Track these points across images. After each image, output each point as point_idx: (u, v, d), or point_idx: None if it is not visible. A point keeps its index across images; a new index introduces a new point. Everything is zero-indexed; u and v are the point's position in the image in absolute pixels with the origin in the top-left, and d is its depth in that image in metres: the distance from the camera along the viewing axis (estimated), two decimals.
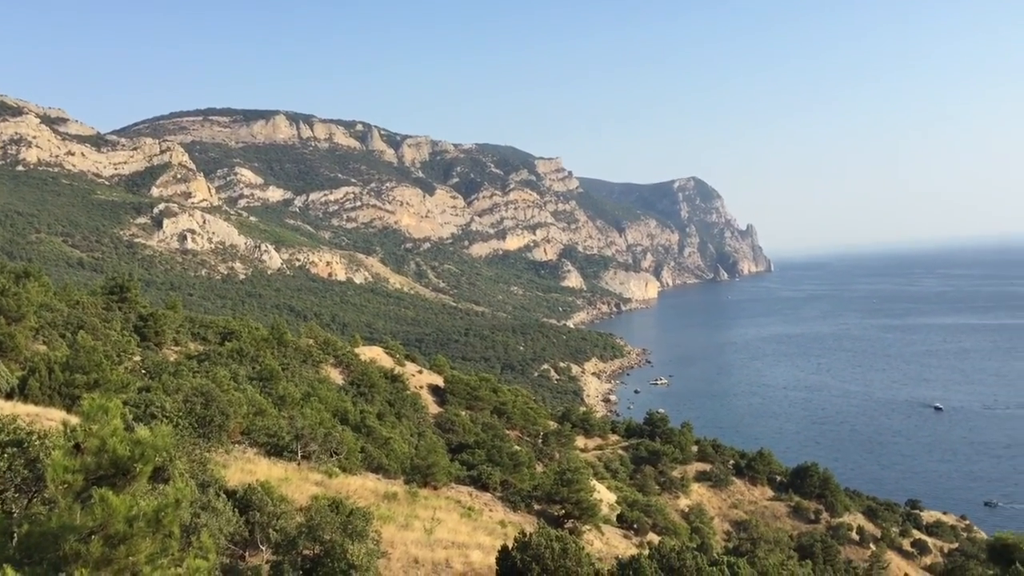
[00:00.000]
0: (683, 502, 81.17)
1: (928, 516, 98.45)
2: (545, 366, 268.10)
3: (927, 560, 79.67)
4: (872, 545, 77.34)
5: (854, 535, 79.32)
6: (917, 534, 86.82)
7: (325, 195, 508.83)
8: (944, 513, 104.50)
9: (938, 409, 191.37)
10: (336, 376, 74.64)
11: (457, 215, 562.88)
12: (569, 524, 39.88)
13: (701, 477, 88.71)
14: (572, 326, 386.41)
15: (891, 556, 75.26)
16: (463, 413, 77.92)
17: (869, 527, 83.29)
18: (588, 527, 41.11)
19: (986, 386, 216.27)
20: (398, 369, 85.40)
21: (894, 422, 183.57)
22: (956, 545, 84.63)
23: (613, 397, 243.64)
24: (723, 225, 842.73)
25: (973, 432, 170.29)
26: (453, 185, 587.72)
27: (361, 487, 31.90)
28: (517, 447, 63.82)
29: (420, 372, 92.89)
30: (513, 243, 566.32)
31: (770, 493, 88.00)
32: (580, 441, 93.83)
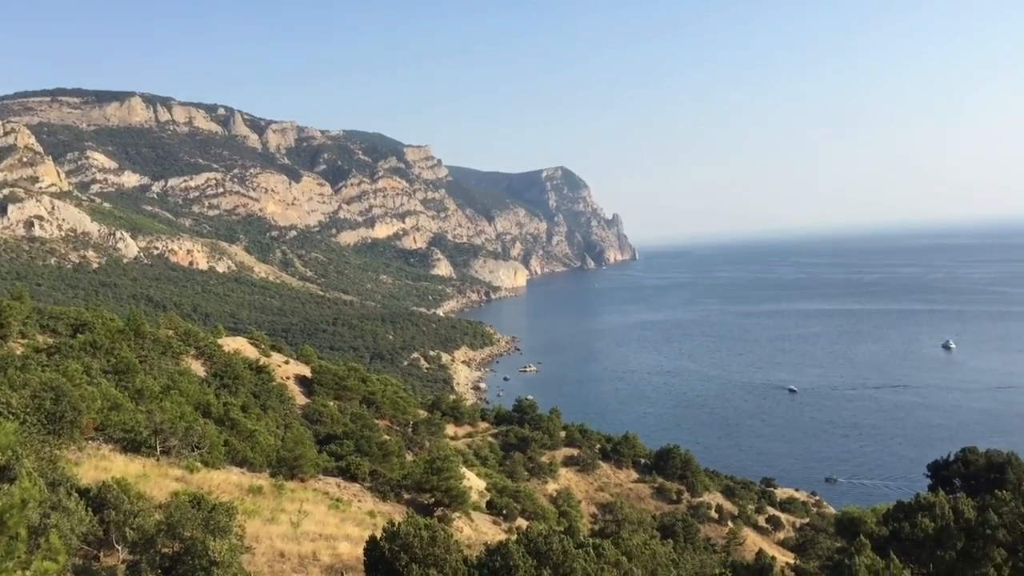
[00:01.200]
0: (551, 487, 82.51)
1: (782, 493, 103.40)
2: (415, 355, 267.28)
3: (780, 535, 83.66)
4: (730, 522, 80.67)
5: (713, 513, 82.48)
6: (771, 511, 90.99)
7: (185, 181, 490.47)
8: (796, 490, 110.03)
9: (792, 391, 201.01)
10: (198, 368, 72.27)
11: (325, 203, 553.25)
12: (439, 512, 39.96)
13: (569, 462, 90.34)
14: (442, 314, 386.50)
15: (747, 532, 78.69)
16: (331, 404, 76.84)
17: (727, 505, 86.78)
18: (458, 515, 41.29)
19: (834, 368, 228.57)
20: (263, 360, 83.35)
21: (751, 404, 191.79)
22: (807, 520, 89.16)
23: (483, 385, 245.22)
24: (590, 214, 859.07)
25: (822, 412, 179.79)
26: (320, 172, 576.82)
27: (225, 481, 31.07)
28: (387, 437, 63.45)
29: (286, 363, 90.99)
30: (382, 231, 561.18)
31: (635, 476, 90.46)
32: (450, 429, 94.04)
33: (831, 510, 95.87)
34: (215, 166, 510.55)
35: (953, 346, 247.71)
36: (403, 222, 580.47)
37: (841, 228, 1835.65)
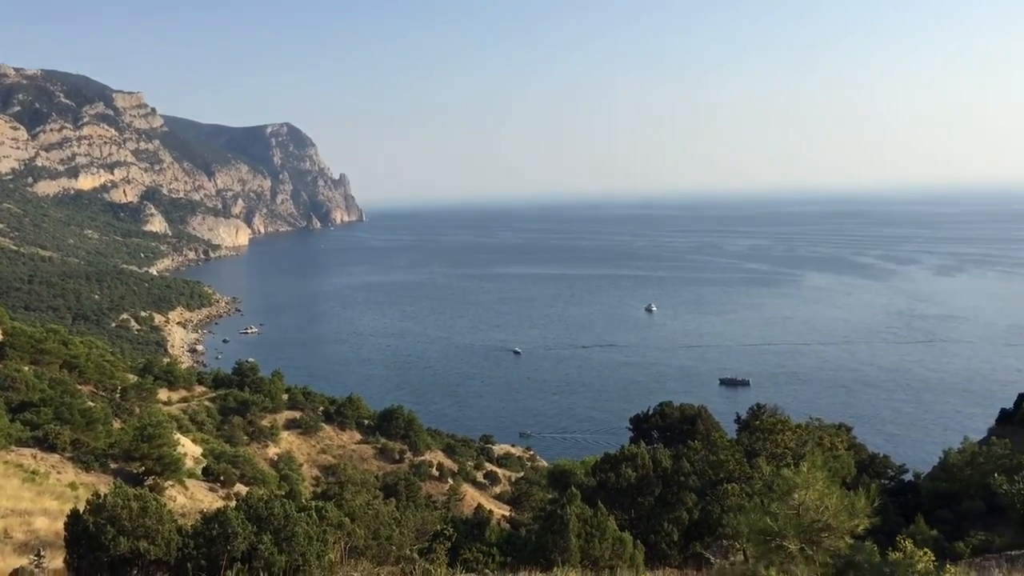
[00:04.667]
0: (272, 451, 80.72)
1: (499, 449, 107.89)
2: (125, 316, 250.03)
3: (497, 489, 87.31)
4: (450, 479, 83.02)
5: (434, 471, 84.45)
6: (489, 466, 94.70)
7: None
8: (512, 446, 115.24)
9: (517, 352, 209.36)
10: None
11: (19, 148, 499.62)
12: (150, 481, 37.79)
13: (291, 425, 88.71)
14: (155, 273, 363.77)
15: (467, 488, 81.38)
16: (26, 368, 70.07)
17: (448, 463, 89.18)
18: (171, 483, 39.29)
19: (550, 330, 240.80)
20: None
21: (472, 365, 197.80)
22: (522, 474, 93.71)
23: (200, 347, 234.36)
24: (317, 173, 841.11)
25: (539, 372, 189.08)
26: (14, 115, 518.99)
27: None
28: (91, 403, 58.90)
29: None
30: (87, 182, 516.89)
31: (358, 437, 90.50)
32: (163, 394, 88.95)
33: (544, 463, 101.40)
34: None
35: (655, 309, 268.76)
36: (112, 173, 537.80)
37: (563, 196, 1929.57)
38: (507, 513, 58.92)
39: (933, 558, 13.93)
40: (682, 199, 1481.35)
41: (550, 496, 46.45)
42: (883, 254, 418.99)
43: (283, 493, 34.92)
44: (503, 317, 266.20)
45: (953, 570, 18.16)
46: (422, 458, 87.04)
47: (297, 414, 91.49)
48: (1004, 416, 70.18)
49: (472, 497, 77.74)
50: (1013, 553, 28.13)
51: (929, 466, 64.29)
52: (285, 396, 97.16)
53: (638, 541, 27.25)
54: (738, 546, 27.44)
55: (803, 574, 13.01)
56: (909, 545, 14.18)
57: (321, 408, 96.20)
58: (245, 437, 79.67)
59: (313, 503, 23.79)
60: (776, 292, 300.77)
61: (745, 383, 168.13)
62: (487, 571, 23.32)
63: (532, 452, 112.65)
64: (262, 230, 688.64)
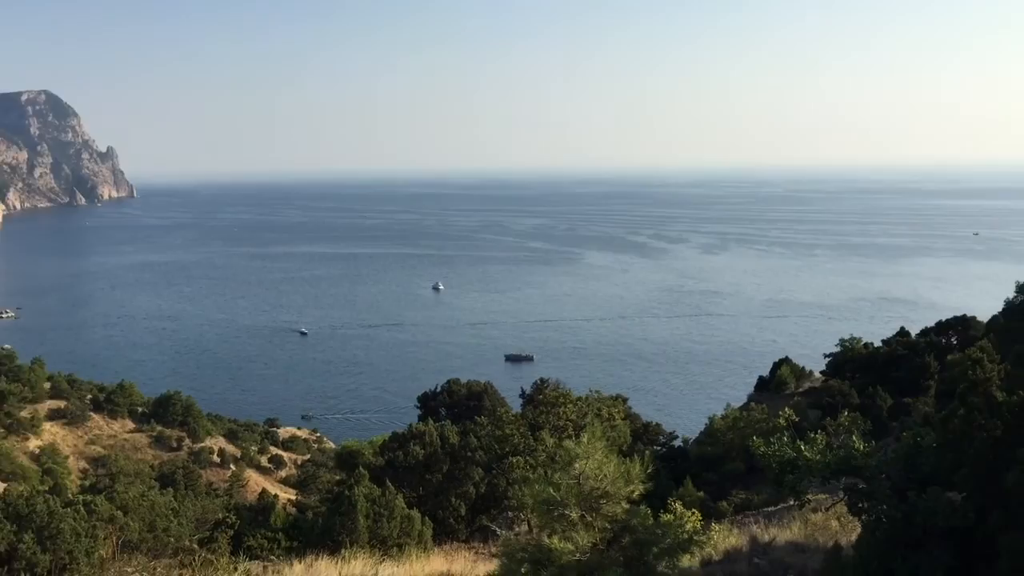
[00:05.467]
0: (33, 444, 74.96)
1: (284, 432, 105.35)
2: None
3: (283, 473, 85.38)
4: (232, 465, 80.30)
5: (215, 458, 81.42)
6: (274, 450, 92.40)
7: None
8: (298, 428, 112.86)
9: (303, 333, 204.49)
10: None
11: None
12: None
13: (55, 415, 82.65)
14: None
15: (250, 473, 79.02)
16: None
17: (230, 448, 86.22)
18: None
19: (336, 310, 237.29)
20: None
21: (256, 348, 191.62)
22: (308, 456, 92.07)
23: None
24: (80, 146, 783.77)
25: (325, 352, 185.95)
26: None
27: None
28: None
29: None
30: None
31: (131, 425, 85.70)
32: None
33: (331, 445, 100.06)
34: None
35: (441, 287, 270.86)
36: None
37: (350, 174, 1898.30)
38: (294, 497, 57.73)
39: (700, 518, 14.86)
40: (469, 178, 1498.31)
41: (338, 477, 45.90)
42: (656, 233, 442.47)
43: (46, 488, 32.47)
44: (288, 297, 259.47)
45: (717, 528, 19.53)
46: (202, 445, 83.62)
47: (61, 404, 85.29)
48: (761, 383, 76.20)
49: (256, 482, 75.58)
50: (769, 509, 30.68)
51: (696, 432, 68.91)
52: (47, 385, 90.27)
53: (426, 518, 27.46)
54: (523, 517, 28.29)
55: (583, 540, 13.55)
56: (679, 507, 15.08)
57: (89, 396, 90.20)
58: (2, 430, 73.41)
59: (81, 497, 22.31)
60: (558, 270, 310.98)
61: (529, 359, 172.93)
62: (272, 557, 22.73)
63: (319, 434, 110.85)
64: (18, 206, 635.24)
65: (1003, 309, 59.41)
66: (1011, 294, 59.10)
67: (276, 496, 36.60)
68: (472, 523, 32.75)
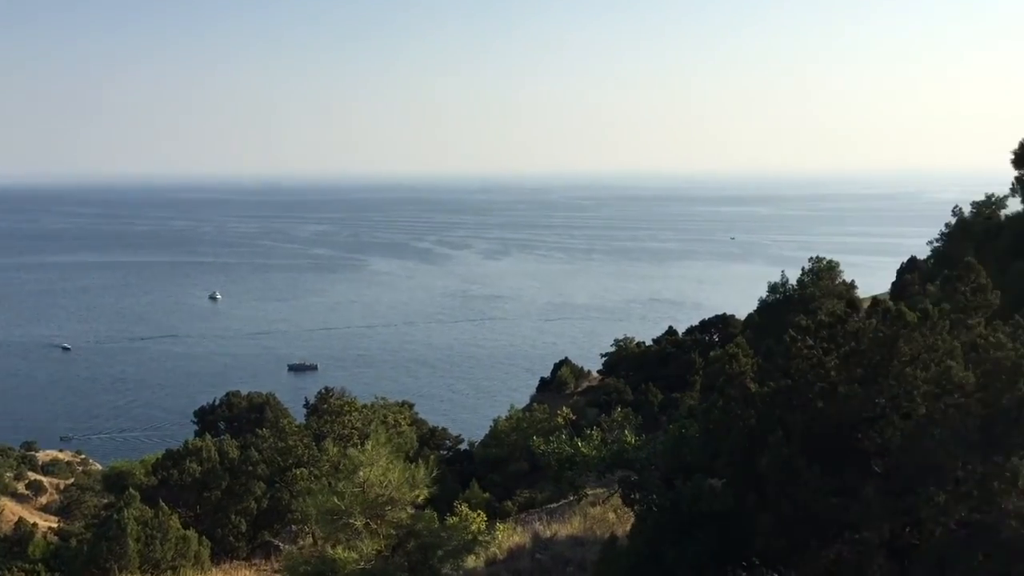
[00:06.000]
0: None
1: (44, 456, 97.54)
2: None
3: (43, 500, 79.06)
4: None
5: None
6: (33, 475, 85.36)
7: None
8: (60, 451, 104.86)
9: (66, 349, 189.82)
10: None
11: None
12: None
13: None
14: None
15: (5, 502, 72.50)
16: None
17: None
18: None
19: (103, 322, 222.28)
20: None
21: (11, 365, 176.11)
22: (72, 481, 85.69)
23: None
24: None
25: (90, 369, 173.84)
26: None
27: None
28: None
29: None
30: None
31: None
32: None
33: (98, 467, 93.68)
34: None
35: (219, 297, 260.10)
36: None
37: (113, 178, 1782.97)
38: (55, 525, 53.58)
39: (485, 518, 15.15)
40: (246, 184, 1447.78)
41: (106, 501, 43.09)
42: (439, 239, 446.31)
43: None
44: (47, 310, 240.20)
45: (502, 527, 19.97)
46: None
47: None
48: (543, 384, 78.62)
49: (12, 511, 69.36)
50: (552, 506, 31.69)
51: (482, 435, 70.08)
52: None
53: (204, 537, 26.31)
54: (307, 529, 27.68)
55: (368, 547, 13.45)
56: (464, 509, 15.30)
57: None
58: None
59: None
60: (341, 277, 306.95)
61: (313, 368, 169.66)
62: None
63: (84, 456, 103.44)
64: None
65: (758, 307, 64.41)
66: (764, 293, 64.16)
67: (35, 525, 33.88)
68: (254, 539, 31.73)
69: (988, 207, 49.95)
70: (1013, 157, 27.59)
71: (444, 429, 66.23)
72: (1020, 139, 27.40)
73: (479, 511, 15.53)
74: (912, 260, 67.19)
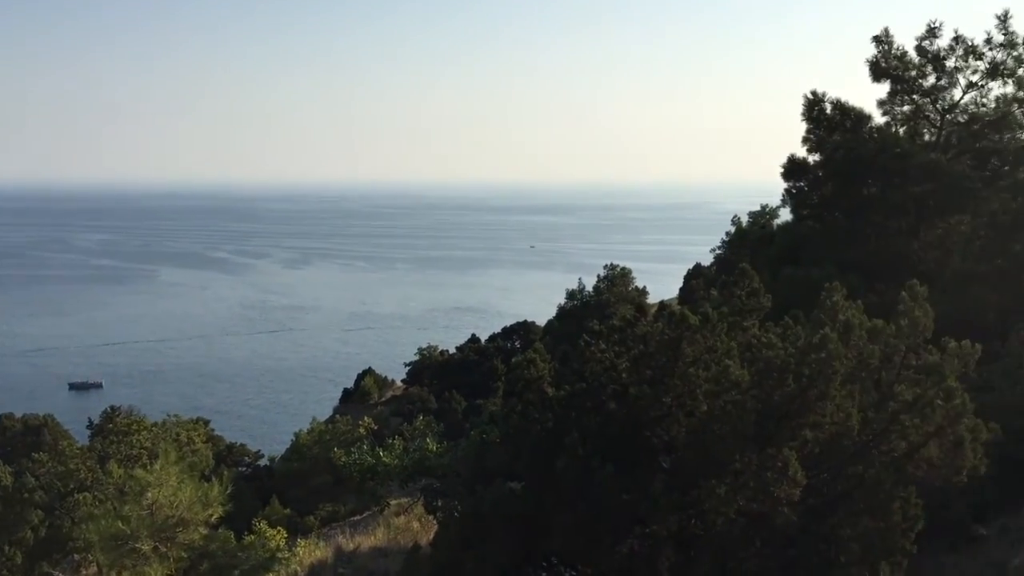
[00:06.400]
0: None
1: None
2: None
3: None
4: None
5: None
6: None
7: None
8: None
9: None
10: None
11: None
12: None
13: None
14: None
15: None
16: None
17: None
18: None
19: None
20: None
21: None
22: None
23: None
24: None
25: None
26: None
27: None
28: None
29: None
30: None
31: None
32: None
33: None
34: None
35: None
36: None
37: None
38: None
39: (285, 534, 14.75)
40: (7, 189, 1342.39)
41: None
42: (237, 249, 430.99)
43: None
44: None
45: (303, 543, 19.52)
46: None
47: None
48: (346, 395, 77.65)
49: None
50: (356, 518, 31.31)
51: (283, 449, 68.20)
52: None
53: None
54: (91, 558, 25.91)
55: (156, 573, 12.76)
56: (263, 526, 14.82)
57: None
58: None
59: None
60: (130, 289, 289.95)
61: (98, 386, 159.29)
62: None
63: None
64: None
65: (557, 313, 66.44)
66: (563, 300, 66.29)
67: None
68: (31, 572, 29.41)
69: (763, 217, 54.07)
70: (783, 171, 29.91)
71: (243, 445, 64.14)
72: (789, 154, 29.74)
73: (279, 528, 15.11)
74: (697, 267, 71.25)
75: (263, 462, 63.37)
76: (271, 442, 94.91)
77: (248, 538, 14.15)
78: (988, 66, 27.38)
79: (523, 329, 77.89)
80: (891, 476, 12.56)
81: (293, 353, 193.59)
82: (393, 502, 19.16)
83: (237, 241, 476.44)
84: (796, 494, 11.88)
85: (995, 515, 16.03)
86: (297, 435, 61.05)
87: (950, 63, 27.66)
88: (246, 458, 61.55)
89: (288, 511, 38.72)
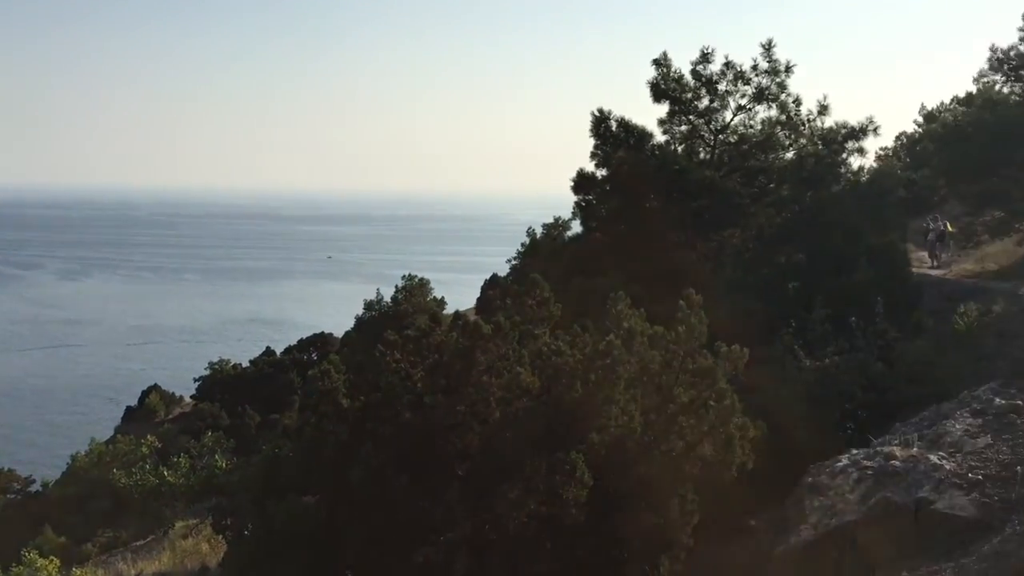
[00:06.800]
0: None
1: None
2: None
3: None
4: None
5: None
6: None
7: None
8: None
9: None
10: None
11: None
12: None
13: None
14: None
15: None
16: None
17: None
18: None
19: None
20: None
21: None
22: None
23: None
24: None
25: None
26: None
27: None
28: None
29: None
30: None
31: None
32: None
33: None
34: None
35: None
36: None
37: None
38: None
39: (59, 564, 13.83)
40: None
41: None
42: (2, 259, 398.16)
43: None
44: None
45: (80, 572, 18.29)
46: None
47: None
48: (129, 413, 73.40)
49: None
50: (139, 543, 29.63)
51: (58, 474, 63.50)
52: None
53: None
54: None
55: None
56: (33, 556, 13.81)
57: None
58: None
59: None
60: None
61: None
62: None
63: None
64: None
65: (355, 325, 65.63)
66: (361, 311, 65.51)
67: None
68: None
69: (556, 228, 55.78)
70: (572, 184, 31.08)
71: (12, 471, 59.26)
72: (578, 169, 30.95)
73: (52, 557, 14.09)
74: (494, 276, 72.44)
75: (35, 488, 58.78)
76: (45, 467, 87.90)
77: (15, 569, 13.13)
78: (755, 91, 29.64)
79: (320, 341, 76.38)
80: (670, 474, 13.34)
81: (69, 371, 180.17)
82: (179, 523, 18.25)
83: (4, 251, 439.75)
84: (583, 495, 12.38)
85: (763, 507, 17.32)
86: (74, 457, 57.17)
87: (722, 87, 29.72)
88: (15, 484, 56.88)
89: (63, 539, 36.12)
